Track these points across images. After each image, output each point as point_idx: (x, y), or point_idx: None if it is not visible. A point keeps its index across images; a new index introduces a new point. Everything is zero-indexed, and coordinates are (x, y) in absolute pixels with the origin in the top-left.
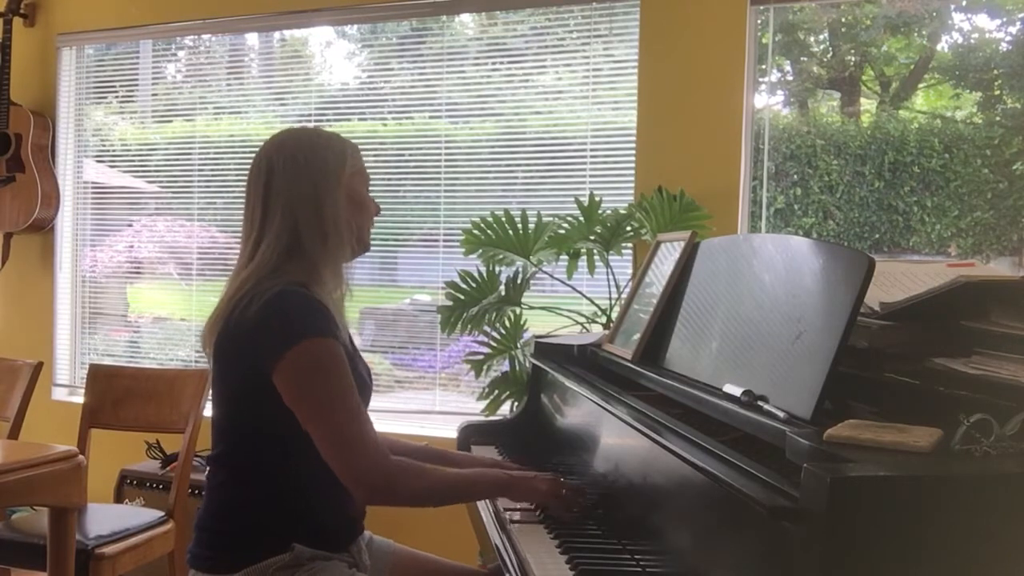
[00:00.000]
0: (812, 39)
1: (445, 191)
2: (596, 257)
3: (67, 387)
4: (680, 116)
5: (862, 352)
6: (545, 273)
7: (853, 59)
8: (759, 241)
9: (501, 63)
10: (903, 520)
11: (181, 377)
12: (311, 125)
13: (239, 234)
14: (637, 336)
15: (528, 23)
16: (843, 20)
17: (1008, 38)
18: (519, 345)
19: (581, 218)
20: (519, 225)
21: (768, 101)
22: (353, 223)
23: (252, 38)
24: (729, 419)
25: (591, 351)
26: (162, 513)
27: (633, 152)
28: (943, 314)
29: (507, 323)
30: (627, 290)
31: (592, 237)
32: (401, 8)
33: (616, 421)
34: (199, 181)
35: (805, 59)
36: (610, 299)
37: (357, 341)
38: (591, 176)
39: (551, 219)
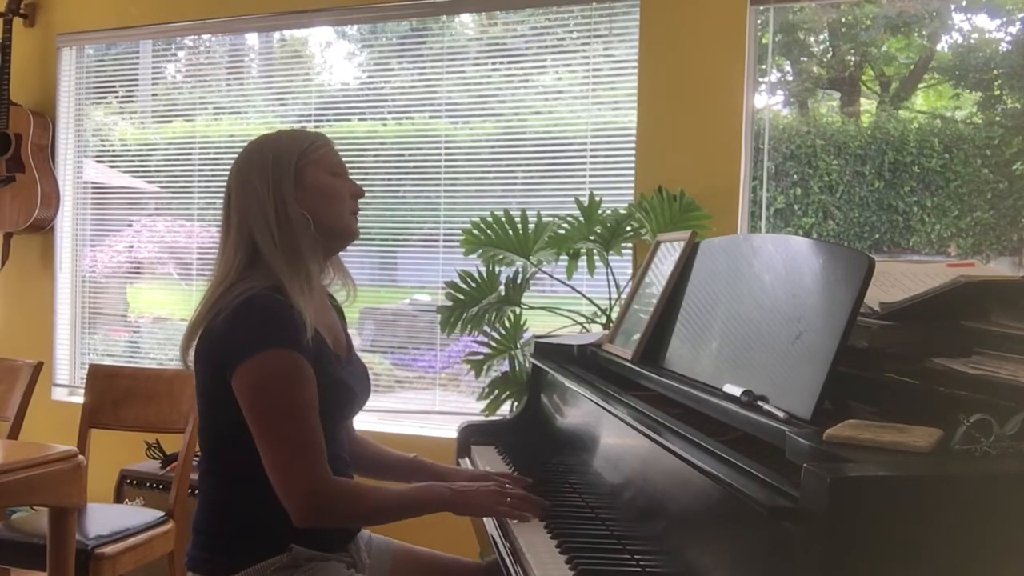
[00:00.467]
0: (812, 39)
1: (445, 191)
2: (596, 257)
3: (67, 387)
4: (680, 116)
5: (862, 352)
6: (545, 273)
7: (853, 59)
8: (759, 241)
9: (501, 63)
10: (903, 520)
11: (181, 377)
12: (275, 122)
13: None
14: (637, 336)
15: (528, 23)
16: (843, 20)
17: (1008, 38)
18: (519, 345)
19: (581, 218)
20: (519, 225)
21: (768, 101)
22: (316, 213)
23: (252, 38)
24: (729, 419)
25: (591, 351)
26: (162, 513)
27: (633, 152)
28: (943, 314)
29: (507, 323)
30: (627, 290)
31: (592, 237)
32: (401, 8)
33: (616, 421)
34: (199, 181)
35: (805, 59)
36: (610, 299)
37: (356, 342)
38: (591, 176)
39: (551, 219)
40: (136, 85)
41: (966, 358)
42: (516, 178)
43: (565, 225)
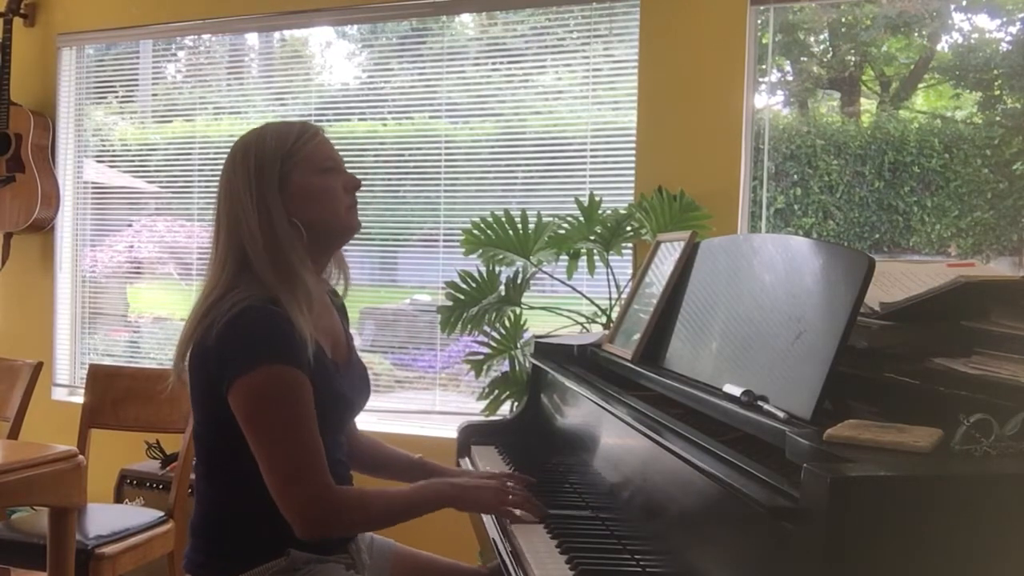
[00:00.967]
0: (812, 39)
1: (445, 191)
2: (596, 257)
3: (67, 387)
4: (680, 116)
5: (862, 352)
6: (545, 273)
7: (853, 59)
8: (759, 241)
9: (501, 63)
10: (903, 520)
11: (181, 378)
12: (272, 121)
13: None
14: (637, 336)
15: (528, 23)
16: (843, 20)
17: (1008, 38)
18: (519, 345)
19: (581, 218)
20: (519, 225)
21: (768, 101)
22: (308, 220)
23: (252, 38)
24: (729, 419)
25: (591, 351)
26: (162, 513)
27: (633, 152)
28: (943, 314)
29: (507, 323)
30: (627, 290)
31: (592, 237)
32: (401, 8)
33: (616, 421)
34: (199, 181)
35: (805, 59)
36: (610, 299)
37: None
38: (591, 176)
39: (551, 219)
40: (136, 85)
41: (966, 358)
42: (516, 178)
43: (565, 225)
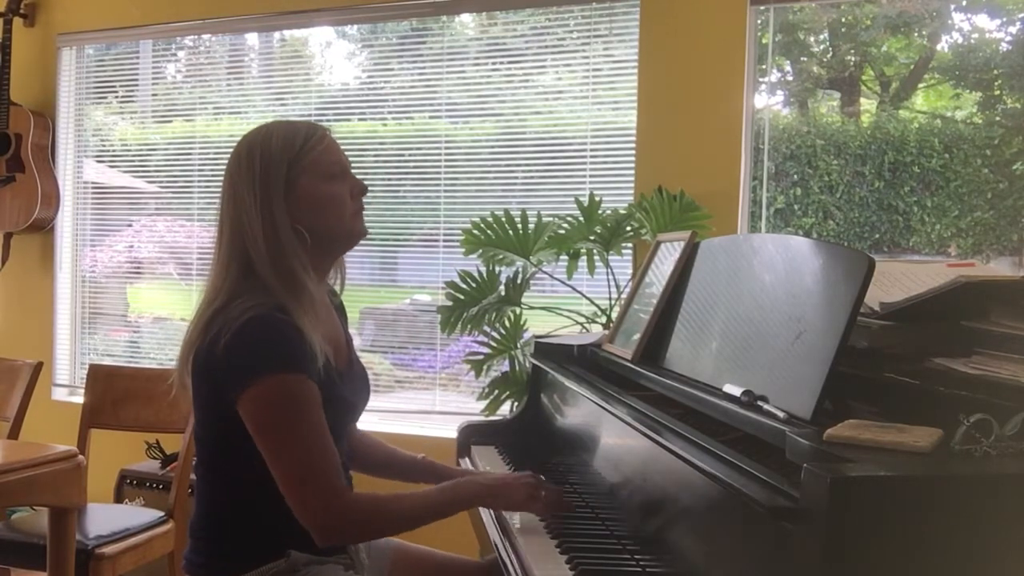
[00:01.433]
0: (812, 39)
1: (445, 191)
2: (596, 257)
3: (67, 387)
4: (680, 116)
5: (862, 352)
6: (545, 273)
7: (853, 59)
8: (759, 241)
9: (501, 63)
10: (903, 520)
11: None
12: (275, 120)
13: None
14: (637, 336)
15: (528, 23)
16: (843, 20)
17: (1008, 38)
18: (519, 345)
19: (581, 218)
20: (519, 225)
21: (768, 101)
22: (313, 228)
23: (252, 38)
24: (729, 419)
25: (591, 351)
26: (162, 513)
27: (633, 152)
28: (943, 314)
29: (507, 323)
30: (627, 290)
31: (592, 237)
32: (401, 8)
33: (616, 421)
34: (199, 181)
35: (805, 59)
36: (610, 299)
37: (357, 342)
38: (591, 176)
39: (551, 219)
40: (136, 85)
41: (966, 358)
42: (516, 178)
43: (565, 225)
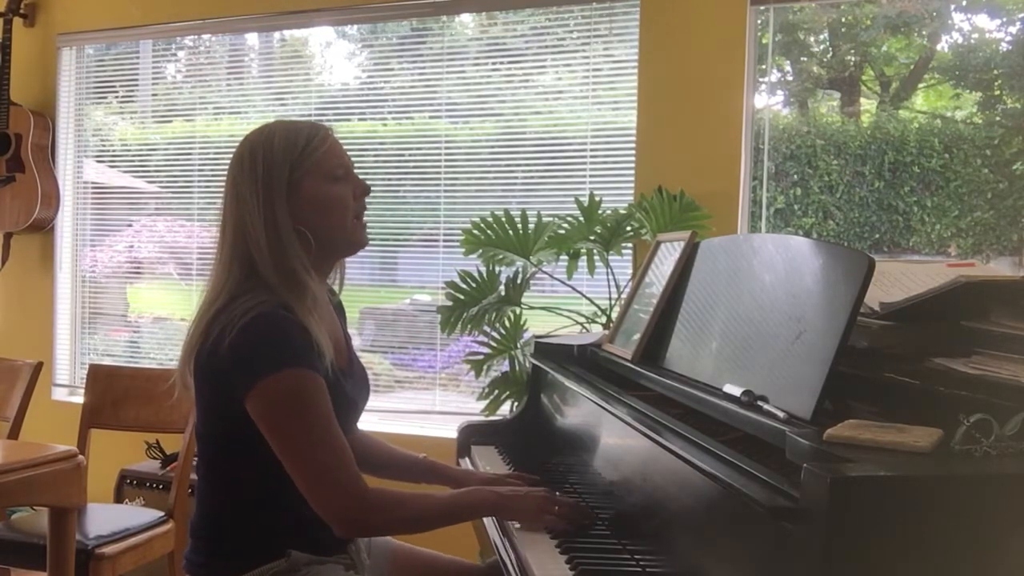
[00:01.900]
0: (812, 39)
1: (445, 191)
2: (596, 257)
3: (67, 387)
4: (680, 116)
5: (862, 352)
6: (545, 273)
7: (853, 59)
8: (759, 241)
9: (501, 63)
10: (903, 520)
11: None
12: (277, 120)
13: None
14: (637, 336)
15: (528, 23)
16: (843, 20)
17: (1008, 38)
18: (519, 345)
19: (581, 218)
20: (519, 225)
21: (768, 101)
22: (316, 229)
23: (252, 38)
24: (729, 419)
25: (591, 351)
26: (162, 513)
27: (633, 152)
28: (943, 314)
29: (507, 323)
30: (627, 290)
31: (592, 237)
32: (401, 8)
33: (616, 421)
34: (199, 181)
35: (805, 59)
36: (610, 299)
37: (357, 342)
38: (591, 176)
39: (551, 219)
40: (136, 85)
41: (966, 358)
42: (516, 178)
43: (565, 225)
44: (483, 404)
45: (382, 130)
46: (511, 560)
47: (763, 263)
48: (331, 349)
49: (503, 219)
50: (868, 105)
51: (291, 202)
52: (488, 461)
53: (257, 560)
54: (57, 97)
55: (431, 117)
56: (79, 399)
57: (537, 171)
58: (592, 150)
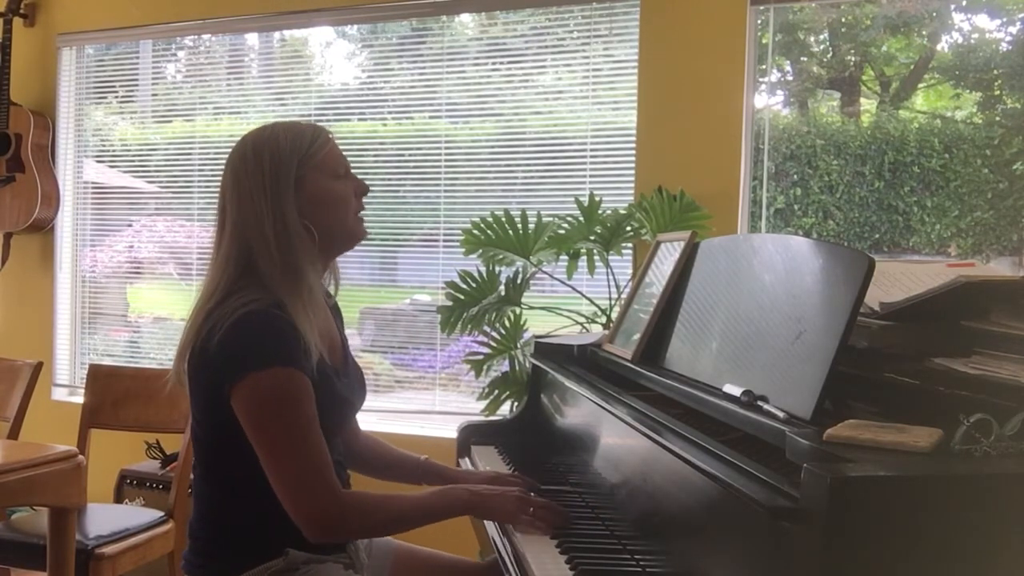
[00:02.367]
0: (812, 39)
1: (445, 191)
2: (596, 257)
3: (67, 387)
4: (680, 116)
5: (862, 352)
6: (545, 273)
7: (853, 59)
8: (759, 241)
9: (501, 63)
10: (903, 520)
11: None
12: (277, 120)
13: None
14: (637, 336)
15: (528, 23)
16: (843, 20)
17: (1008, 38)
18: (519, 345)
19: (581, 218)
20: (519, 225)
21: (768, 101)
22: (320, 224)
23: (252, 38)
24: (729, 419)
25: (591, 351)
26: (162, 513)
27: (633, 152)
28: (943, 314)
29: (507, 323)
30: (627, 290)
31: (592, 237)
32: (401, 8)
33: (616, 421)
34: (199, 181)
35: (805, 59)
36: (610, 299)
37: (357, 341)
38: (591, 176)
39: (551, 219)
40: (136, 85)
41: (966, 358)
42: (516, 178)
43: (565, 225)
44: (483, 404)
45: (382, 130)
46: (510, 559)
47: (763, 263)
48: (325, 349)
49: (503, 219)
50: (868, 105)
51: (298, 197)
52: (488, 461)
53: (255, 559)
54: (57, 97)
55: (431, 117)
56: (79, 399)
57: (537, 171)
58: (592, 150)
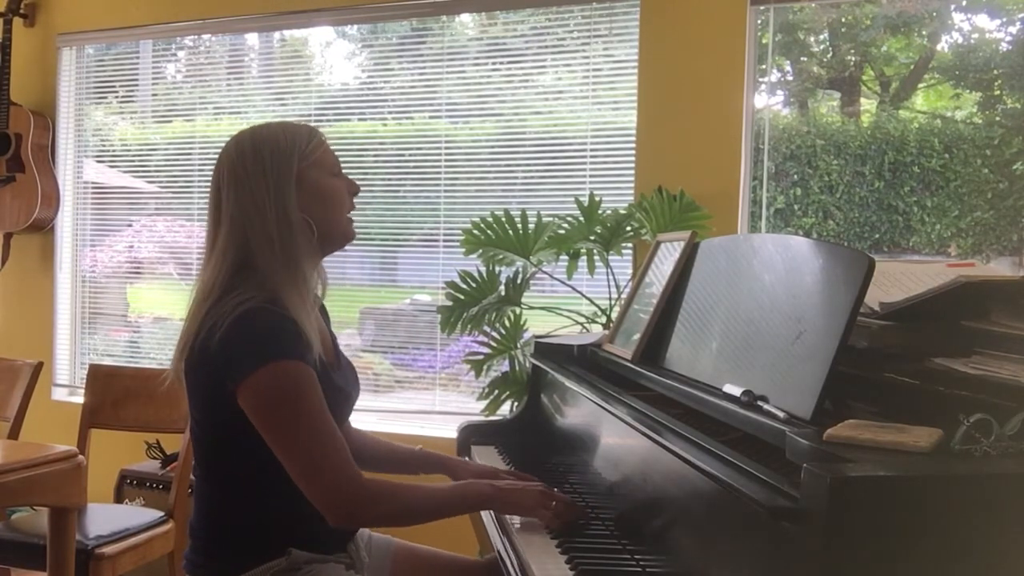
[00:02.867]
0: (812, 39)
1: (445, 191)
2: (596, 257)
3: (67, 387)
4: (680, 116)
5: (862, 352)
6: (545, 273)
7: (853, 59)
8: (759, 241)
9: (501, 63)
10: (903, 520)
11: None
12: (271, 120)
13: None
14: (637, 336)
15: (528, 23)
16: (843, 20)
17: (1008, 38)
18: (519, 345)
19: (581, 218)
20: (519, 225)
21: (768, 101)
22: (318, 219)
23: (252, 38)
24: (729, 419)
25: (591, 351)
26: (162, 513)
27: (633, 152)
28: (943, 314)
29: (507, 323)
30: (627, 290)
31: (592, 237)
32: (401, 8)
33: (616, 421)
34: (199, 181)
35: (805, 59)
36: (610, 299)
37: (356, 341)
38: (591, 176)
39: (551, 219)
40: (136, 85)
41: (966, 358)
42: (516, 178)
43: (565, 225)
44: (483, 404)
45: (382, 130)
46: (510, 559)
47: (763, 263)
48: (319, 342)
49: (503, 219)
50: (868, 105)
51: (297, 192)
52: (488, 461)
53: (256, 559)
54: (57, 97)
55: (431, 117)
56: (79, 399)
57: (537, 171)
58: (592, 150)
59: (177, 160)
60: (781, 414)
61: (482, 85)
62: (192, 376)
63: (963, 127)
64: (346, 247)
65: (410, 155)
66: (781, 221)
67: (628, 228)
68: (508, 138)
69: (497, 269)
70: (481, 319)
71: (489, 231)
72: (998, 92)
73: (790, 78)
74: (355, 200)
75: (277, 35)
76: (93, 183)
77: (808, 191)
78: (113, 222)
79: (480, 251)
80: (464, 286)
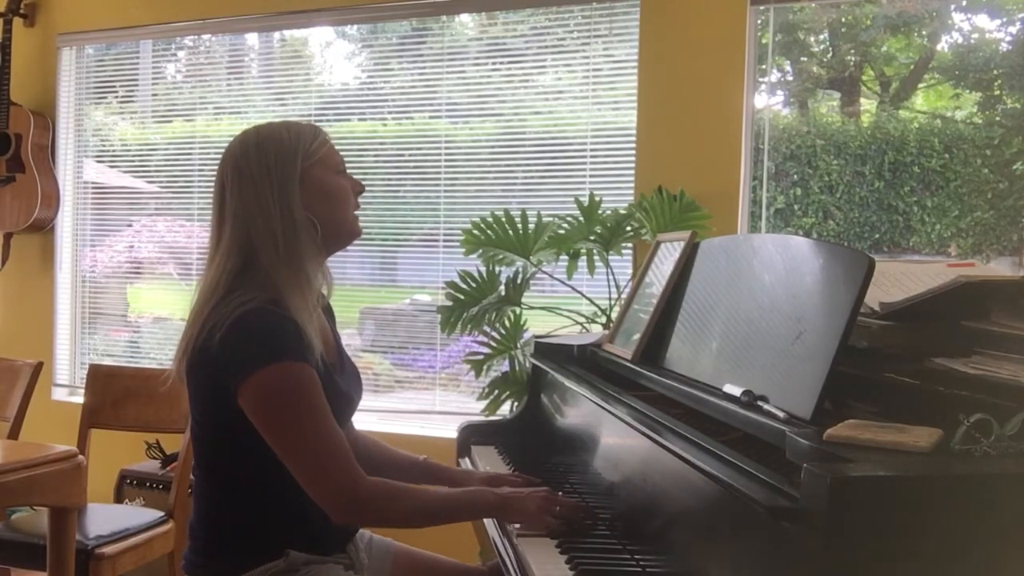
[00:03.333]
0: (812, 39)
1: (445, 191)
2: (596, 257)
3: (67, 387)
4: (680, 116)
5: (862, 352)
6: (545, 273)
7: (853, 59)
8: (759, 241)
9: (501, 63)
10: (903, 520)
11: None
12: (274, 120)
13: None
14: (637, 336)
15: (528, 23)
16: (843, 20)
17: (1008, 38)
18: (519, 345)
19: (581, 218)
20: (519, 225)
21: (768, 101)
22: (323, 217)
23: (252, 38)
24: (729, 419)
25: (591, 351)
26: (162, 513)
27: (633, 152)
28: (943, 314)
29: (507, 323)
30: (627, 290)
31: (592, 237)
32: (401, 8)
33: (616, 421)
34: (199, 181)
35: (805, 59)
36: (610, 299)
37: (356, 341)
38: (591, 176)
39: (551, 219)
40: (136, 85)
41: (966, 358)
42: (516, 178)
43: (565, 225)
44: (483, 404)
45: (382, 130)
46: (511, 560)
47: (763, 263)
48: (321, 346)
49: (503, 219)
50: (868, 105)
51: (302, 191)
52: (488, 461)
53: (255, 560)
54: (57, 97)
55: (431, 117)
56: (79, 399)
57: (537, 171)
58: (592, 150)
59: (177, 160)
60: (781, 414)
61: (482, 85)
62: (193, 377)
63: (963, 127)
64: (348, 245)
65: (410, 155)
66: (781, 221)
67: (628, 228)
68: (508, 138)
69: (497, 269)
70: (481, 319)
71: (489, 231)
72: (998, 92)
73: (790, 78)
74: (356, 200)
75: (277, 35)
76: (93, 183)
77: (808, 191)
78: (113, 222)
79: (480, 251)
80: (464, 286)
